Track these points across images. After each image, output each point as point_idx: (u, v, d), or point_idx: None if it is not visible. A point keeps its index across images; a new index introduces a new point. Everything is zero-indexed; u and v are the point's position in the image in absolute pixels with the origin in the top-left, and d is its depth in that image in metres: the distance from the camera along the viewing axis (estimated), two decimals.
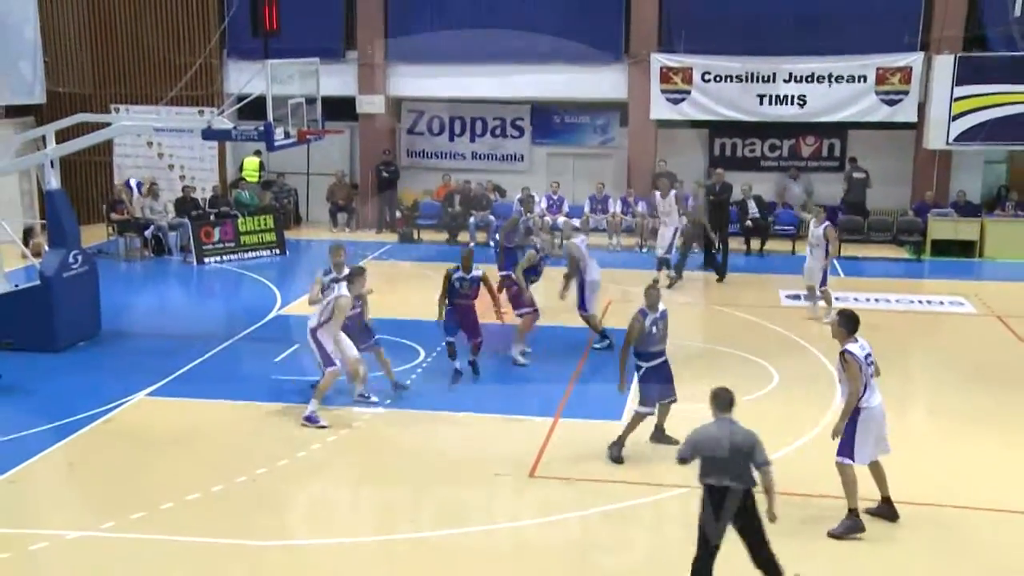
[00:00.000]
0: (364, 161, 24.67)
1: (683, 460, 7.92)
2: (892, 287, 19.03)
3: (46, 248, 15.74)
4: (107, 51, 24.48)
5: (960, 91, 21.56)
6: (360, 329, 12.64)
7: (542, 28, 22.47)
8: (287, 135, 15.22)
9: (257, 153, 23.98)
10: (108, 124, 17.15)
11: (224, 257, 21.25)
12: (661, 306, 11.02)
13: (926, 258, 21.71)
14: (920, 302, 18.20)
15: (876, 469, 9.39)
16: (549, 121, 24.73)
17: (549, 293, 15.46)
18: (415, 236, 23.60)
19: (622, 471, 10.59)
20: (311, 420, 11.76)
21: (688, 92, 22.64)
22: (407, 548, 9.10)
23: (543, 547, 9.17)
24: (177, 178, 24.38)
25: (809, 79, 22.20)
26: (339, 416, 12.07)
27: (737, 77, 22.39)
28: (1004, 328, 16.36)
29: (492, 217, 22.85)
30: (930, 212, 22.04)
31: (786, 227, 22.74)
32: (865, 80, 22.04)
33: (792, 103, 22.34)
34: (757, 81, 22.35)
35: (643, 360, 10.96)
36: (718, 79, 22.51)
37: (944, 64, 21.62)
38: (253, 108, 15.28)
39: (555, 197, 23.05)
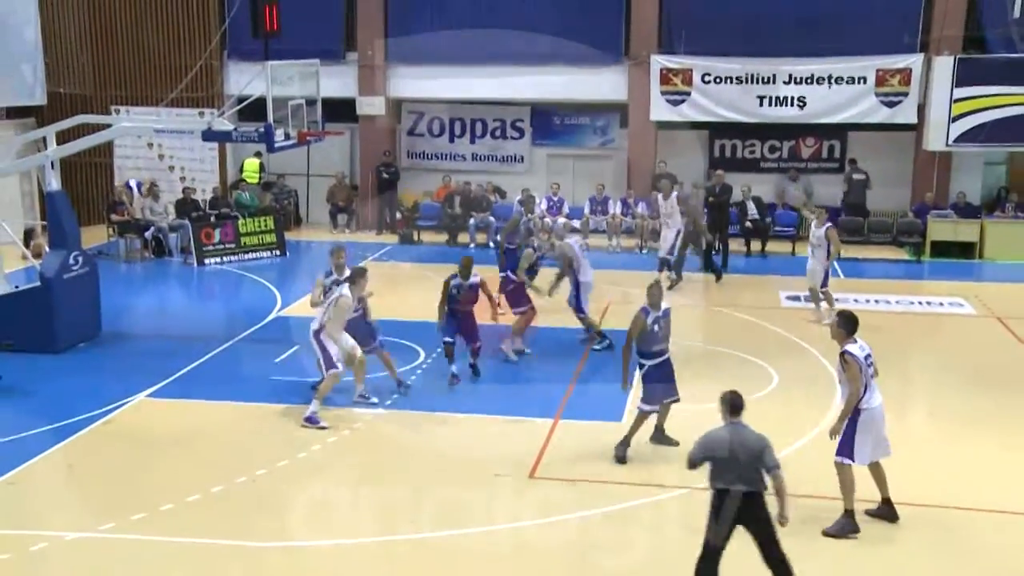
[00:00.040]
0: (364, 162, 24.67)
1: (693, 464, 7.92)
2: (892, 288, 19.03)
3: (46, 249, 15.75)
4: (108, 53, 24.50)
5: (960, 92, 21.57)
6: (364, 331, 12.67)
7: (542, 30, 22.47)
8: (287, 136, 15.23)
9: (257, 154, 23.99)
10: (109, 125, 17.15)
11: (224, 258, 21.27)
12: (664, 304, 11.03)
13: (926, 259, 21.71)
14: (920, 303, 18.21)
15: (876, 470, 9.41)
16: (549, 122, 24.74)
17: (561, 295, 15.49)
18: (415, 237, 23.62)
19: (622, 472, 10.60)
20: (311, 421, 11.77)
21: (688, 93, 22.65)
22: (407, 549, 9.11)
23: (543, 548, 9.18)
24: (177, 179, 24.40)
25: (809, 80, 22.22)
26: (339, 417, 12.07)
27: (737, 79, 22.40)
28: (1004, 329, 16.37)
29: (492, 218, 22.87)
30: (930, 213, 22.05)
31: (786, 228, 22.75)
32: (865, 81, 22.05)
33: (792, 104, 22.35)
34: (757, 82, 22.37)
35: (645, 358, 10.97)
36: (718, 80, 22.52)
37: (944, 65, 21.63)
38: (253, 109, 15.30)
39: (555, 198, 23.06)
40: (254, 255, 21.59)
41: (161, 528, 9.28)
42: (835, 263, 16.68)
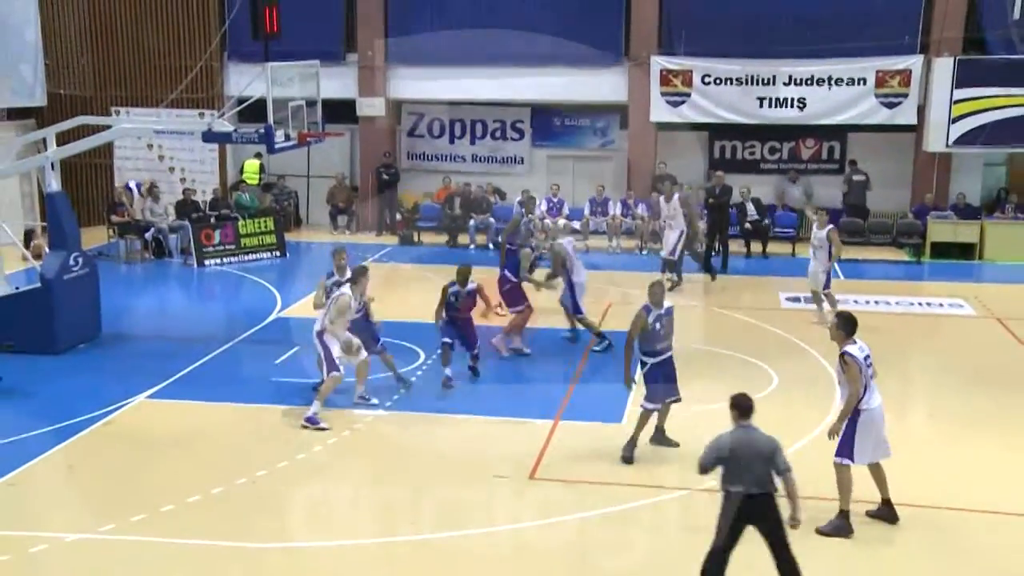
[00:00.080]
0: (364, 163, 24.67)
1: (704, 469, 7.92)
2: (892, 289, 19.03)
3: (47, 250, 15.75)
4: (108, 54, 24.51)
5: (959, 94, 21.58)
6: (367, 334, 12.70)
7: (542, 31, 22.47)
8: (287, 137, 15.24)
9: (257, 155, 24.00)
10: (109, 126, 17.17)
11: (224, 259, 21.28)
12: (667, 303, 11.03)
13: (926, 260, 21.72)
14: (920, 304, 18.21)
15: (877, 471, 9.41)
16: (549, 123, 24.74)
17: (546, 293, 15.49)
18: (415, 238, 23.62)
19: (622, 473, 10.60)
20: (312, 422, 11.78)
21: (688, 95, 22.66)
22: (407, 550, 9.11)
23: (543, 549, 9.18)
24: (178, 180, 24.39)
25: (809, 82, 22.23)
26: (339, 418, 12.07)
27: (737, 80, 22.41)
28: (1004, 330, 16.37)
29: (492, 220, 22.87)
30: (930, 214, 22.05)
31: (786, 229, 22.76)
32: (865, 83, 22.06)
33: (792, 106, 22.36)
34: (757, 84, 22.38)
35: (647, 356, 10.98)
36: (718, 82, 22.53)
37: (943, 67, 21.64)
38: (253, 111, 15.29)
39: (555, 199, 23.07)
40: (254, 256, 21.60)
41: (161, 529, 9.28)
42: (835, 264, 16.67)
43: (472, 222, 22.93)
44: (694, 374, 11.51)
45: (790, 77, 22.22)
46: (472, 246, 22.64)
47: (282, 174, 24.87)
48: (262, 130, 14.81)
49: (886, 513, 9.43)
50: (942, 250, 21.75)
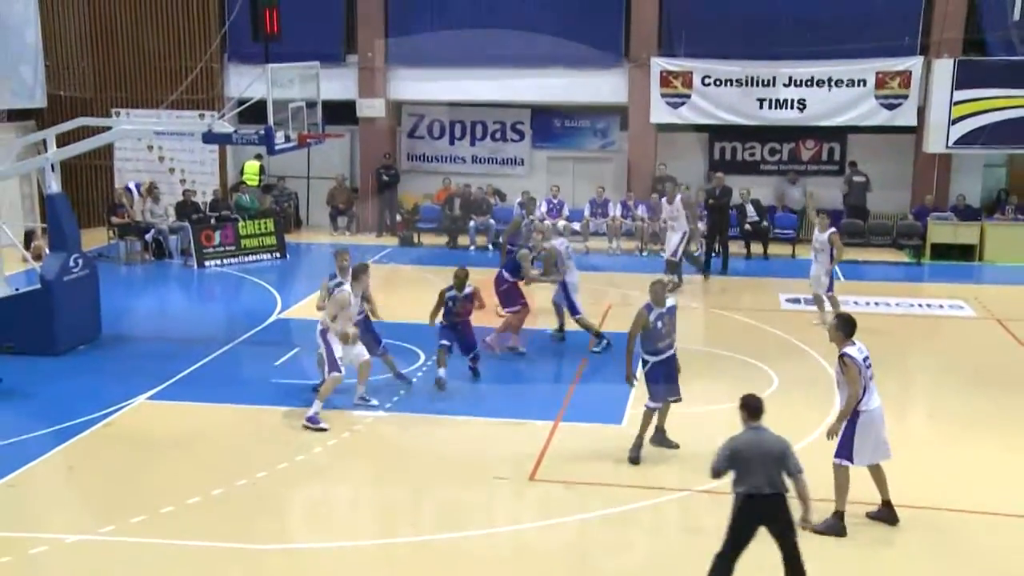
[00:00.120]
0: (364, 165, 24.68)
1: (717, 472, 7.91)
2: (892, 291, 19.04)
3: (47, 252, 15.75)
4: (108, 55, 24.51)
5: (959, 95, 21.59)
6: (369, 337, 12.73)
7: (542, 32, 22.48)
8: (287, 139, 15.24)
9: (258, 157, 24.00)
10: (109, 128, 17.19)
11: (224, 260, 21.28)
12: (670, 302, 11.03)
13: (926, 262, 21.72)
14: (920, 306, 18.22)
15: (877, 473, 9.41)
16: (549, 125, 24.74)
17: (544, 294, 15.49)
18: (415, 240, 23.62)
19: (622, 474, 10.59)
20: (312, 421, 11.79)
21: (688, 96, 22.67)
22: (407, 551, 9.11)
23: (543, 550, 9.18)
24: (178, 182, 24.39)
25: (809, 83, 22.24)
26: (340, 419, 12.07)
27: (737, 81, 22.42)
28: (1004, 332, 16.37)
29: (492, 221, 22.88)
30: (930, 216, 22.05)
31: (785, 231, 22.76)
32: (865, 84, 22.07)
33: (792, 107, 22.37)
34: (757, 85, 22.39)
35: (649, 355, 10.98)
36: (718, 83, 22.54)
37: (943, 68, 21.65)
38: (254, 112, 15.30)
39: (555, 201, 23.07)
40: (254, 257, 21.60)
41: (161, 531, 9.28)
42: (836, 266, 16.63)
43: (472, 223, 22.93)
44: (694, 375, 11.50)
45: (790, 78, 22.23)
46: (472, 247, 22.65)
47: (282, 175, 24.87)
48: (262, 131, 14.80)
49: (886, 515, 9.43)
50: (942, 251, 21.75)
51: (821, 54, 21.90)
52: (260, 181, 24.37)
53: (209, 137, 15.32)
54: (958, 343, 16.06)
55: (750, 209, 22.22)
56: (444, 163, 25.09)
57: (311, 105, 15.90)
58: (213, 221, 21.82)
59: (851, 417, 9.17)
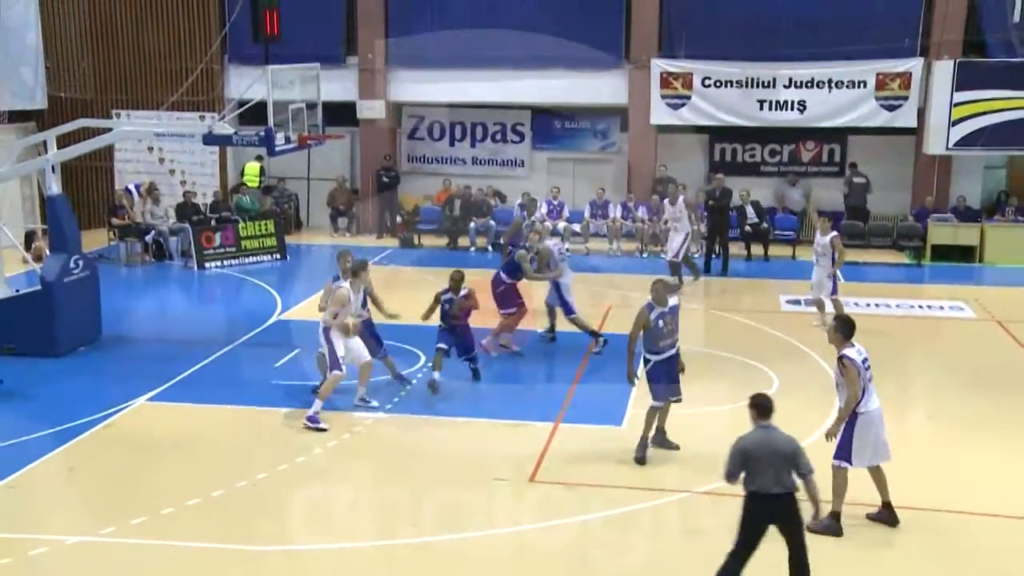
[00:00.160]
0: (365, 166, 24.69)
1: (732, 475, 7.89)
2: (892, 292, 19.04)
3: (47, 253, 15.75)
4: (108, 56, 24.52)
5: (960, 96, 21.60)
6: (371, 339, 12.74)
7: (542, 34, 22.48)
8: (288, 140, 15.24)
9: (258, 158, 24.01)
10: (109, 129, 17.19)
11: (225, 262, 21.29)
12: (672, 301, 11.03)
13: (926, 263, 21.71)
14: (920, 307, 18.22)
15: (878, 474, 9.42)
16: (550, 126, 24.75)
17: (541, 295, 15.51)
18: (416, 241, 23.62)
19: (622, 476, 10.60)
20: (312, 421, 11.80)
21: (688, 97, 22.68)
22: (408, 553, 9.12)
23: (544, 552, 9.19)
24: (178, 183, 24.39)
25: (809, 84, 22.25)
26: (340, 420, 12.07)
27: (737, 82, 22.42)
28: (1004, 333, 16.37)
29: (492, 222, 22.89)
30: (930, 217, 22.05)
31: (786, 232, 22.76)
32: (865, 85, 22.08)
33: (792, 108, 22.38)
34: (757, 86, 22.40)
35: (650, 354, 11.00)
36: (718, 84, 22.54)
37: (944, 69, 21.66)
38: (254, 113, 15.31)
39: (555, 202, 23.08)
40: (254, 259, 21.60)
41: (161, 532, 9.28)
42: (839, 270, 16.55)
43: (472, 225, 22.94)
44: (694, 376, 11.50)
45: (790, 80, 22.24)
46: (472, 249, 22.65)
47: (282, 176, 24.87)
48: (262, 133, 14.81)
49: (886, 516, 9.43)
50: (942, 253, 21.74)
51: (821, 55, 21.91)
52: (260, 182, 24.37)
53: (209, 138, 15.33)
54: (958, 344, 16.06)
55: (750, 210, 22.22)
56: (444, 164, 25.10)
57: (311, 106, 15.91)
58: (213, 222, 21.83)
59: (850, 419, 9.17)
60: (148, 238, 21.66)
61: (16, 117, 23.39)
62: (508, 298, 14.77)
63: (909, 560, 9.03)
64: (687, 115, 22.77)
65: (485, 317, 14.38)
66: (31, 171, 18.37)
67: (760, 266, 21.54)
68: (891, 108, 22.08)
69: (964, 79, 21.56)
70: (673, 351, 11.06)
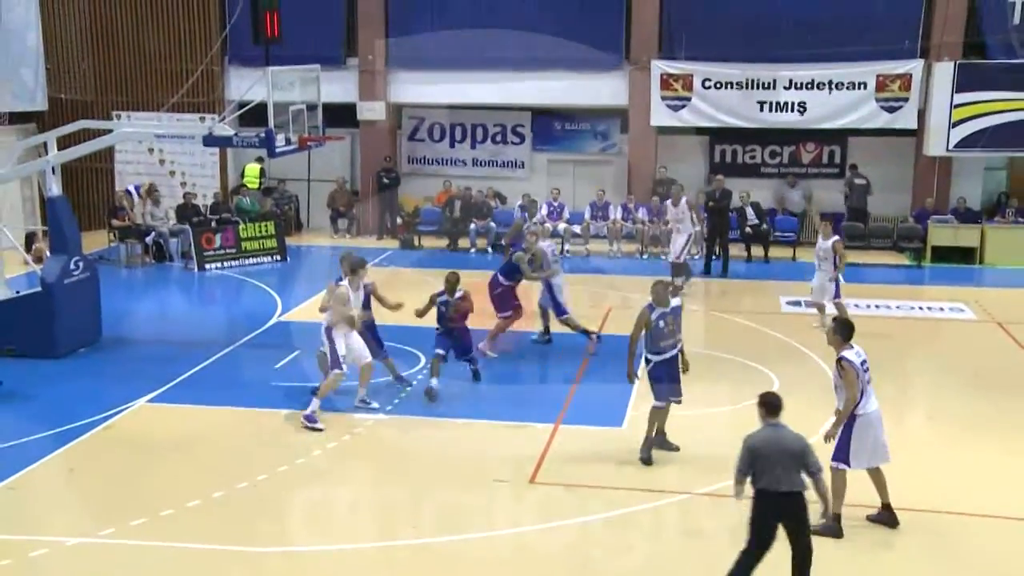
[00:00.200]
0: (365, 167, 24.70)
1: (743, 472, 7.89)
2: (893, 293, 19.04)
3: (47, 254, 15.75)
4: (109, 58, 24.53)
5: (960, 98, 21.61)
6: (372, 340, 12.75)
7: (542, 35, 22.48)
8: (288, 141, 15.24)
9: (258, 160, 24.01)
10: (110, 131, 17.18)
11: (225, 263, 21.29)
12: (675, 302, 11.04)
13: (926, 264, 21.70)
14: (920, 308, 18.22)
15: (877, 476, 9.42)
16: (550, 128, 24.76)
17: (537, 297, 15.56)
18: (416, 242, 23.63)
19: (622, 477, 10.60)
20: (309, 420, 11.82)
21: (688, 99, 22.68)
22: (408, 554, 9.11)
23: (544, 553, 9.18)
24: (178, 184, 24.40)
25: (809, 86, 22.25)
26: (340, 422, 12.07)
27: (737, 84, 22.43)
28: (1004, 334, 16.36)
29: (492, 224, 22.89)
30: (930, 218, 22.05)
31: (786, 233, 22.76)
32: (865, 87, 22.08)
33: (792, 110, 22.38)
34: (757, 88, 22.40)
35: (651, 354, 11.01)
36: (718, 86, 22.55)
37: (944, 71, 21.67)
38: (254, 115, 15.31)
39: (555, 204, 23.08)
40: (255, 260, 21.60)
41: (162, 533, 9.28)
42: (840, 273, 16.50)
43: (473, 226, 22.94)
44: (695, 378, 11.49)
45: (790, 81, 22.25)
46: (473, 250, 22.66)
47: (283, 178, 24.89)
48: (263, 134, 14.81)
49: (886, 517, 9.43)
50: (943, 254, 21.74)
51: (821, 57, 21.91)
52: (261, 184, 24.38)
53: (210, 140, 15.34)
54: (958, 346, 16.06)
55: (750, 212, 22.22)
56: (444, 166, 25.11)
57: (312, 108, 15.92)
58: (214, 224, 21.83)
59: (848, 420, 9.18)
60: (148, 239, 21.66)
61: (17, 118, 23.39)
62: (505, 300, 14.79)
63: (909, 562, 9.02)
64: (687, 116, 22.78)
65: (483, 319, 14.40)
66: (31, 172, 18.37)
67: (760, 268, 21.54)
68: (891, 109, 22.08)
69: (964, 81, 21.57)
70: (674, 352, 11.06)
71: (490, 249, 22.41)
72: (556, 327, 15.23)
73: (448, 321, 12.99)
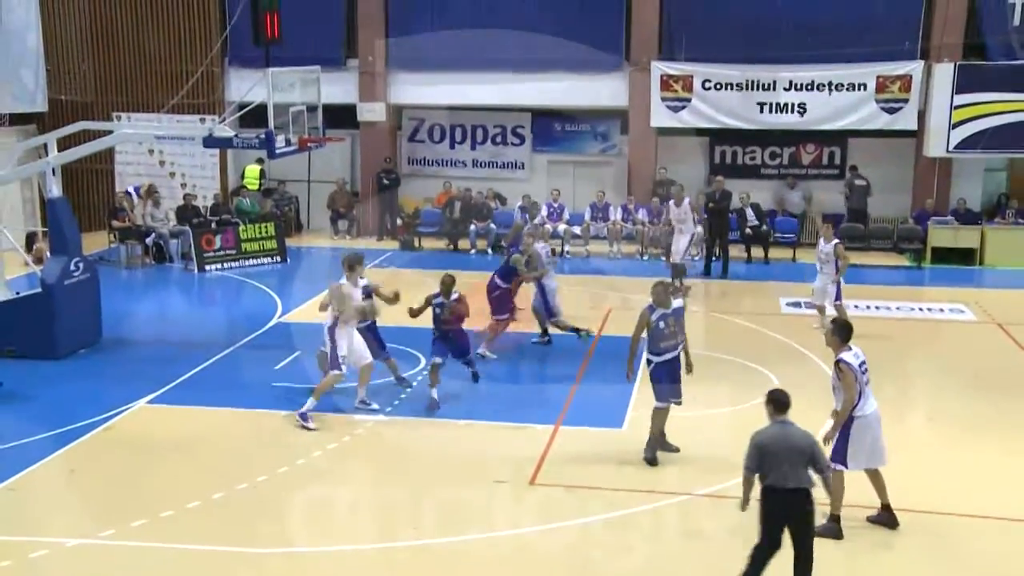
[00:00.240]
0: (365, 168, 24.70)
1: (751, 470, 7.92)
2: (893, 295, 19.04)
3: (48, 255, 15.76)
4: (109, 59, 24.53)
5: (960, 99, 21.62)
6: (374, 341, 12.77)
7: (542, 36, 22.49)
8: (288, 143, 15.25)
9: (259, 161, 24.00)
10: (110, 132, 17.18)
11: (225, 264, 21.30)
12: (676, 303, 11.04)
13: (926, 266, 21.70)
14: (920, 309, 18.23)
15: (875, 477, 9.42)
16: (550, 129, 24.76)
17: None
18: (416, 243, 23.63)
19: (623, 478, 10.60)
20: (303, 417, 11.84)
21: (688, 100, 22.68)
22: (408, 555, 9.11)
23: (544, 554, 9.19)
24: (178, 186, 24.40)
25: (809, 87, 22.26)
26: (340, 422, 12.08)
27: (737, 85, 22.43)
28: (1004, 335, 16.37)
29: (492, 225, 22.90)
30: (930, 220, 22.05)
31: (786, 235, 22.76)
32: (865, 88, 22.09)
33: (792, 111, 22.39)
34: (757, 89, 22.41)
35: (652, 355, 11.02)
36: (718, 87, 22.56)
37: (944, 72, 21.68)
38: (254, 116, 15.32)
39: (555, 205, 23.09)
40: (255, 261, 21.60)
41: (162, 534, 9.29)
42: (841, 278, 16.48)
43: (473, 227, 22.94)
44: (695, 378, 11.48)
45: (790, 82, 22.26)
46: (473, 251, 22.66)
47: (283, 179, 24.89)
48: (263, 135, 14.81)
49: (886, 518, 9.43)
50: (943, 255, 21.74)
51: (821, 58, 21.92)
52: (261, 185, 24.38)
53: (210, 141, 15.34)
54: (958, 347, 16.06)
55: (750, 213, 22.22)
56: (445, 167, 25.12)
57: (312, 109, 15.93)
58: (214, 225, 21.83)
59: (846, 422, 9.18)
60: (148, 240, 21.67)
61: (17, 120, 23.39)
62: (502, 303, 14.81)
63: (909, 563, 9.03)
64: (687, 117, 22.78)
65: (482, 320, 14.40)
66: (32, 174, 18.37)
67: (760, 269, 21.53)
68: (891, 111, 22.08)
69: (964, 82, 21.57)
70: (675, 353, 11.06)
71: (490, 250, 22.42)
72: (556, 328, 15.24)
73: (443, 323, 12.82)
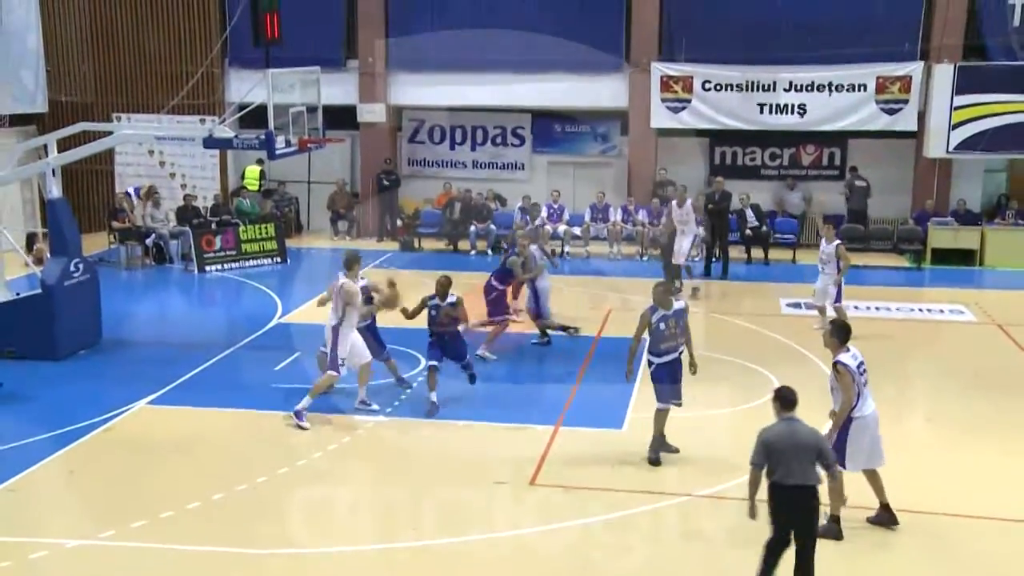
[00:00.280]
0: (365, 169, 24.71)
1: (758, 465, 7.94)
2: (892, 295, 19.04)
3: (48, 256, 15.76)
4: (109, 60, 24.54)
5: (960, 100, 21.62)
6: (374, 341, 12.78)
7: (542, 38, 22.50)
8: (288, 143, 15.25)
9: (259, 162, 24.01)
10: (110, 133, 17.18)
11: (225, 265, 21.30)
12: (678, 304, 11.04)
13: (926, 266, 21.71)
14: (920, 310, 18.23)
15: (873, 477, 9.42)
16: (550, 130, 24.76)
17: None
18: (416, 244, 23.64)
19: (623, 479, 10.59)
20: (297, 415, 11.86)
21: (688, 101, 22.69)
22: (408, 556, 9.11)
23: (544, 554, 9.19)
24: (178, 187, 24.40)
25: (809, 88, 22.27)
26: (340, 423, 12.08)
27: (737, 86, 22.44)
28: (1004, 336, 16.37)
29: (492, 226, 22.90)
30: (930, 221, 22.06)
31: (786, 236, 22.77)
32: (865, 89, 22.09)
33: (792, 112, 22.40)
34: (757, 90, 22.41)
35: (653, 356, 11.02)
36: (718, 88, 22.56)
37: (944, 73, 21.68)
38: (254, 117, 15.32)
39: (555, 206, 23.09)
40: (255, 262, 21.61)
41: (162, 535, 9.28)
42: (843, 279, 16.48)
43: (473, 228, 22.95)
44: (695, 379, 11.48)
45: (790, 83, 22.27)
46: (473, 252, 22.66)
47: (283, 180, 24.90)
48: (263, 136, 14.82)
49: (885, 518, 9.43)
50: (943, 256, 21.75)
51: (821, 59, 21.93)
52: (261, 186, 24.38)
53: (210, 142, 15.34)
54: (958, 348, 16.07)
55: (750, 214, 22.23)
56: (445, 168, 25.12)
57: (312, 110, 15.94)
58: (214, 226, 21.83)
59: (844, 423, 9.18)
60: (148, 241, 21.67)
61: (17, 121, 23.41)
62: (499, 305, 14.84)
63: (909, 563, 9.03)
64: (687, 118, 22.79)
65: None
66: (32, 175, 18.37)
67: (760, 270, 21.54)
68: (891, 112, 22.09)
69: (964, 83, 21.58)
70: (676, 354, 11.06)
71: (490, 251, 22.42)
72: (543, 329, 15.25)
73: (437, 325, 12.60)
